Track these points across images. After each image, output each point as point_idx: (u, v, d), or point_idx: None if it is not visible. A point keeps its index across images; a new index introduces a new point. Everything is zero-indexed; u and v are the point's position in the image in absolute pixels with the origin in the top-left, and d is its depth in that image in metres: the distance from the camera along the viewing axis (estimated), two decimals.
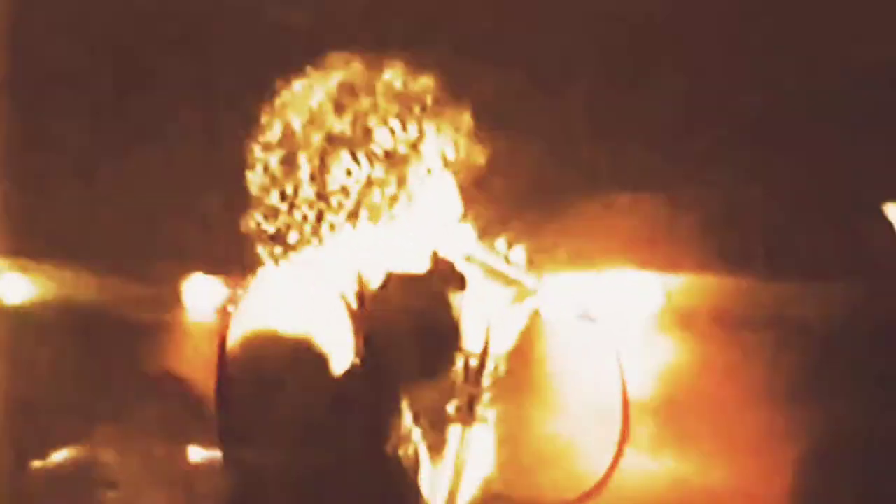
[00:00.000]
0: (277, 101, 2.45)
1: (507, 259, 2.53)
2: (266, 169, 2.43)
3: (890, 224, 4.35)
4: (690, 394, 4.58)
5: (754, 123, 4.56)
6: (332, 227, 2.43)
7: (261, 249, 2.46)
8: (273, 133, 2.43)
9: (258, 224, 2.45)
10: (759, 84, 4.52)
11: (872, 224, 4.44)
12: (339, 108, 2.41)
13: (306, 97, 2.43)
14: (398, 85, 2.45)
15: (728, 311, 4.54)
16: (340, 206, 2.42)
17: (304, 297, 2.36)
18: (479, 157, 2.52)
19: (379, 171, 2.42)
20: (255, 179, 2.44)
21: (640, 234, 4.63)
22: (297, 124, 2.41)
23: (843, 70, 4.41)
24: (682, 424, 4.62)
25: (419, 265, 2.52)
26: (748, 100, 4.53)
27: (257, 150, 2.44)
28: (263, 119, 2.46)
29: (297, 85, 2.46)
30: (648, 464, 4.48)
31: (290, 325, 2.28)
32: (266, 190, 2.44)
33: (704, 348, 4.60)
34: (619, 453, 2.54)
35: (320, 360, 2.30)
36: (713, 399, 4.55)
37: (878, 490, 4.13)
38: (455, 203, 2.53)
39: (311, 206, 2.41)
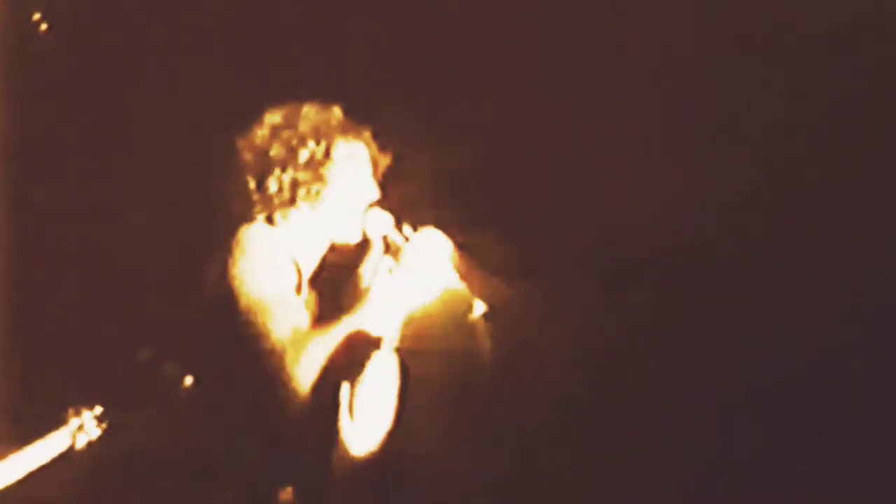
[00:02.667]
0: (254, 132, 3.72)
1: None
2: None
3: None
4: None
5: None
6: (282, 214, 3.66)
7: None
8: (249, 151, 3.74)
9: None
10: None
11: None
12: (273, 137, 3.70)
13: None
14: (311, 117, 3.70)
15: None
16: (280, 198, 3.66)
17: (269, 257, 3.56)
18: (384, 158, 3.80)
19: (301, 174, 3.65)
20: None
21: None
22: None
23: None
24: None
25: (353, 237, 3.76)
26: None
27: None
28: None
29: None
30: None
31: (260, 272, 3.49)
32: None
33: None
34: None
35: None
36: None
37: None
38: (369, 189, 3.74)
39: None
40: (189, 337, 3.67)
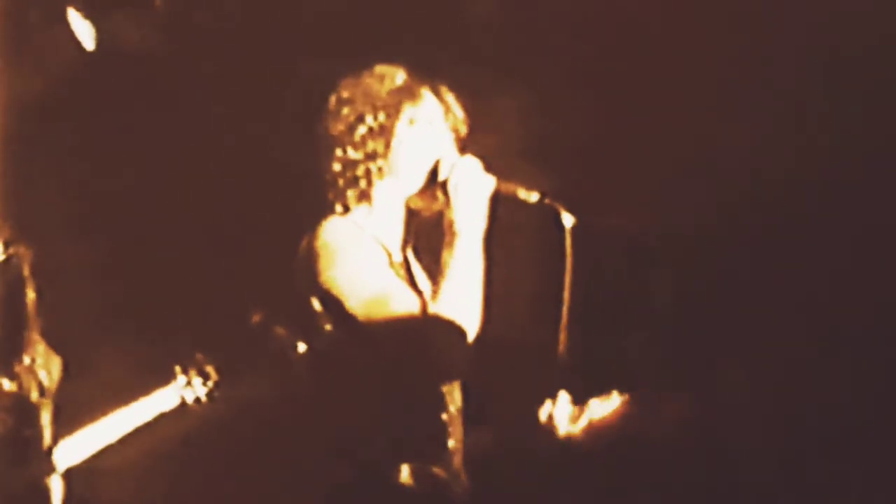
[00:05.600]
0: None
1: None
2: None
3: None
4: None
5: None
6: (353, 195, 3.57)
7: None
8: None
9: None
10: None
11: None
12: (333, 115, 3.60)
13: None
14: (369, 87, 3.58)
15: None
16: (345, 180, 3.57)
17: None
18: (461, 114, 3.62)
19: (360, 152, 3.54)
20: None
21: None
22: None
23: None
24: None
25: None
26: None
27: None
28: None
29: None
30: None
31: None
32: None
33: None
34: None
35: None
36: None
37: None
38: (444, 147, 3.56)
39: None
40: (299, 306, 3.64)
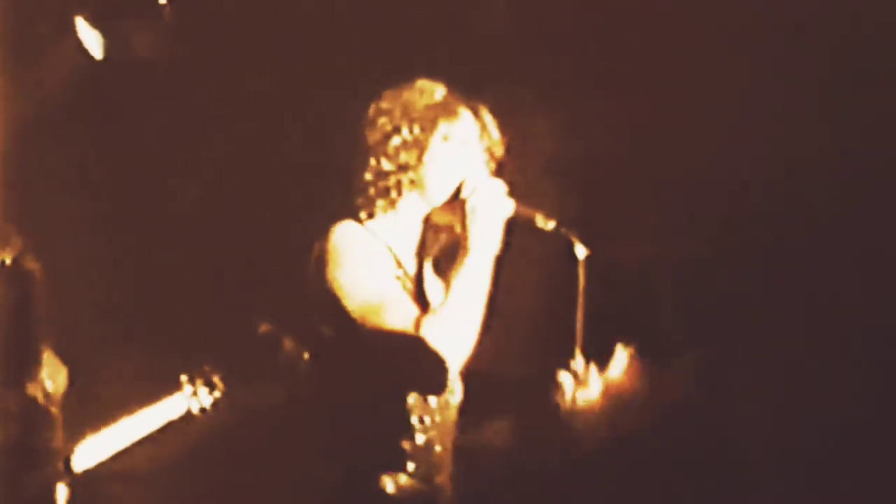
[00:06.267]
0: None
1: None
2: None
3: None
4: None
5: None
6: (382, 205, 3.57)
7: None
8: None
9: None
10: None
11: None
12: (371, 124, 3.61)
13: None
14: (408, 100, 3.59)
15: None
16: (375, 189, 3.57)
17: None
18: (497, 136, 3.62)
19: (392, 163, 3.55)
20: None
21: None
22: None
23: None
24: None
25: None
26: None
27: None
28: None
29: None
30: None
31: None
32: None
33: None
34: None
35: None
36: None
37: None
38: (474, 168, 3.57)
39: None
40: (305, 315, 3.67)
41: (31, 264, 4.13)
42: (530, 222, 3.55)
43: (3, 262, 4.10)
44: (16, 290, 4.10)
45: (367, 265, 3.48)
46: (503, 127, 3.64)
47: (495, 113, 3.64)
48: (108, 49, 4.86)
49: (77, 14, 4.84)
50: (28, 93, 4.72)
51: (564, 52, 4.67)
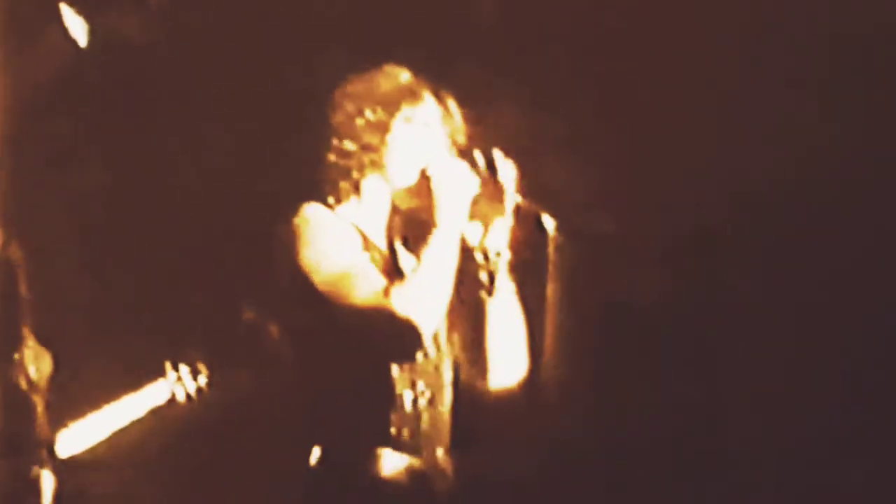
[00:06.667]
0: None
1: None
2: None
3: None
4: None
5: None
6: (345, 186, 3.64)
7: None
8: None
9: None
10: None
11: None
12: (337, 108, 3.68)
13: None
14: (373, 84, 3.66)
15: None
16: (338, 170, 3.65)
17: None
18: (458, 128, 3.67)
19: (355, 145, 3.62)
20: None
21: None
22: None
23: None
24: None
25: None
26: None
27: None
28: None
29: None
30: None
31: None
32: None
33: None
34: None
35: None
36: None
37: None
38: (438, 151, 3.63)
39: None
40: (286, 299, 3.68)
41: (15, 252, 4.12)
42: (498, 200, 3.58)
43: None
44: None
45: (333, 240, 3.54)
46: (469, 107, 3.70)
47: (462, 95, 3.70)
48: (94, 36, 4.86)
49: (62, 1, 4.83)
50: (14, 81, 4.71)
51: (533, 38, 4.68)
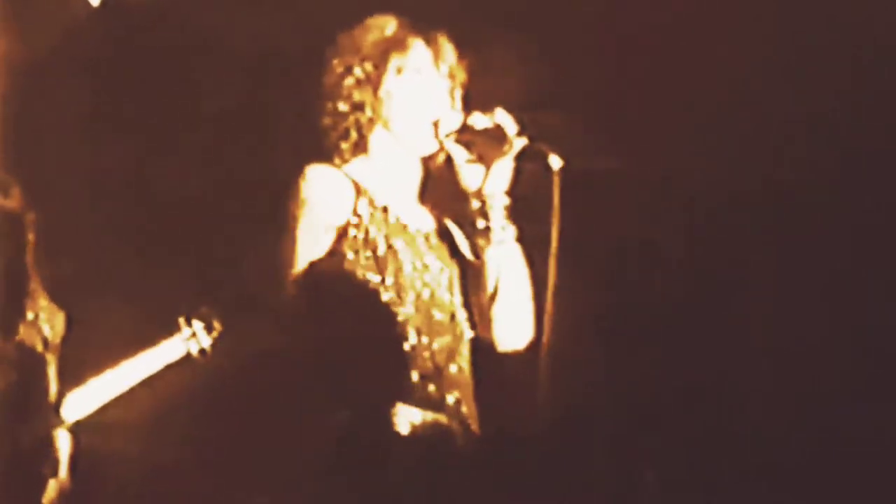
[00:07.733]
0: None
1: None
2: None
3: None
4: None
5: None
6: (346, 147, 3.62)
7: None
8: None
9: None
10: None
11: None
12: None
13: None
14: (359, 38, 3.61)
15: None
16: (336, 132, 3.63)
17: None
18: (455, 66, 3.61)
19: (347, 104, 3.59)
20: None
21: None
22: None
23: None
24: None
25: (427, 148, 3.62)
26: None
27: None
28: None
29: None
30: None
31: None
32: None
33: None
34: None
35: None
36: None
37: None
38: (437, 97, 3.58)
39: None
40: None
41: (28, 211, 4.13)
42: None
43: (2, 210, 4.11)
44: (13, 238, 4.11)
45: (323, 194, 3.53)
46: (463, 54, 3.64)
47: (456, 43, 3.63)
48: None
49: None
50: (23, 40, 4.70)
51: None
